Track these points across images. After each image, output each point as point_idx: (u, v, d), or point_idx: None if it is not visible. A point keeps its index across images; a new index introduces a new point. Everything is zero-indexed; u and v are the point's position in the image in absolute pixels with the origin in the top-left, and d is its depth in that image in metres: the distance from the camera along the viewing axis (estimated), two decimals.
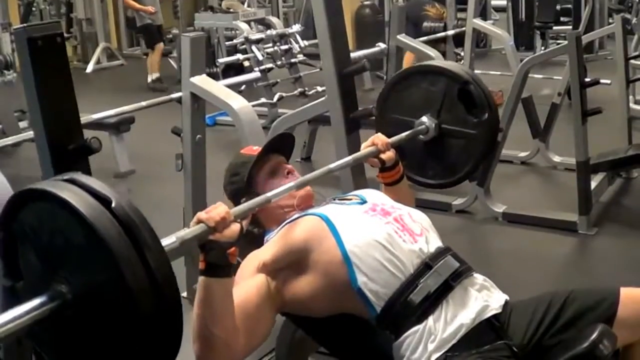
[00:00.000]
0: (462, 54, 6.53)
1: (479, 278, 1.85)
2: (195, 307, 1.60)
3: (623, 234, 4.08)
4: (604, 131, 4.89)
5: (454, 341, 1.70)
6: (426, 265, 1.77)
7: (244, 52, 6.72)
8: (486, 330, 1.74)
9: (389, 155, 2.15)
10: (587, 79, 4.02)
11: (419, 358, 1.70)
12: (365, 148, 2.17)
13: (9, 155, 5.67)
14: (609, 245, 3.94)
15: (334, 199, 2.00)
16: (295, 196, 1.96)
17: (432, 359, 1.69)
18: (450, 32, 6.74)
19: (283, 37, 6.83)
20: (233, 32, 8.17)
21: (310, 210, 1.92)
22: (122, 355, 1.29)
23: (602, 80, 4.26)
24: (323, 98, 3.09)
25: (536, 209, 4.32)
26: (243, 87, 6.31)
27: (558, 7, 9.77)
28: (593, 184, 4.22)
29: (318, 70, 6.20)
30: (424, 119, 2.52)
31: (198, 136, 3.04)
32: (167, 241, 1.43)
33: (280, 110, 6.27)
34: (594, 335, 1.66)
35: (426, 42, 5.68)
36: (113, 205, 1.25)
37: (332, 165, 2.11)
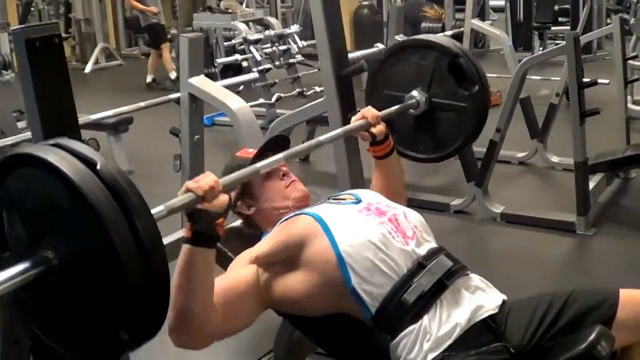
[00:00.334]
0: None
1: (474, 278, 1.85)
2: (174, 276, 1.59)
3: (621, 234, 4.08)
4: (602, 131, 4.89)
5: (450, 341, 1.70)
6: (420, 265, 1.77)
7: (243, 52, 6.72)
8: (483, 331, 1.74)
9: (379, 128, 2.15)
10: (585, 80, 4.02)
11: (415, 358, 1.70)
12: (355, 121, 2.17)
13: None
14: (607, 245, 3.94)
15: (329, 198, 2.00)
16: (289, 197, 1.97)
17: (428, 358, 1.69)
18: (449, 33, 6.75)
19: (281, 38, 6.83)
20: (231, 32, 8.16)
21: (305, 210, 1.92)
22: (109, 322, 1.27)
23: (600, 81, 4.26)
24: (321, 99, 3.09)
25: (534, 209, 4.32)
26: (241, 87, 6.30)
27: (556, 7, 9.78)
28: (591, 185, 4.22)
29: (316, 70, 6.20)
30: (415, 93, 2.52)
31: (196, 136, 3.04)
32: (155, 210, 1.41)
33: (278, 111, 6.27)
34: (592, 337, 1.66)
35: None
36: (98, 167, 1.22)
37: (322, 138, 2.14)
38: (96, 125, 4.51)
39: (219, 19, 7.99)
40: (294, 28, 7.08)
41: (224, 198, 1.58)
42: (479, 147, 4.47)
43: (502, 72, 6.42)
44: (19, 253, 1.32)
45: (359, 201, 1.93)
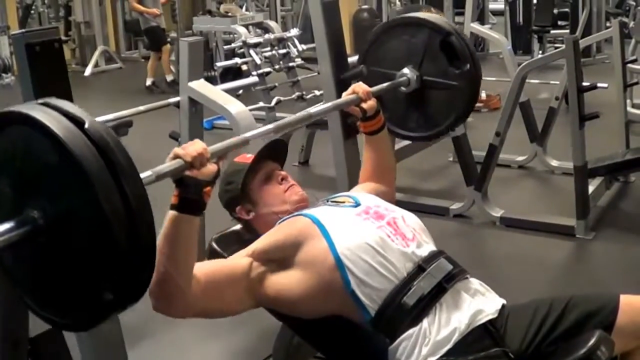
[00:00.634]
0: None
1: (474, 282, 1.85)
2: (158, 241, 1.59)
3: (621, 238, 4.08)
4: (601, 135, 4.90)
5: (448, 345, 1.70)
6: (419, 268, 1.77)
7: (242, 55, 6.70)
8: (482, 335, 1.74)
9: (370, 104, 2.16)
10: (584, 84, 4.02)
11: None
12: (346, 96, 2.18)
13: None
14: (606, 249, 3.94)
15: (327, 200, 2.00)
16: (288, 201, 1.97)
17: None
18: None
19: (281, 41, 6.82)
20: (231, 36, 8.17)
21: (303, 211, 1.92)
22: (94, 283, 1.26)
23: (599, 85, 4.26)
24: (321, 103, 3.09)
25: (534, 213, 4.32)
26: (241, 91, 6.30)
27: (555, 11, 9.78)
28: (591, 188, 4.22)
29: (316, 74, 6.20)
30: (406, 70, 2.52)
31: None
32: (143, 175, 1.40)
33: (278, 114, 6.27)
34: (592, 342, 1.66)
35: None
36: (86, 126, 1.21)
37: (312, 110, 2.15)
38: None
39: (219, 22, 7.99)
40: (294, 32, 7.07)
41: (212, 167, 1.60)
42: (479, 151, 4.48)
43: (502, 76, 6.43)
44: (4, 213, 1.30)
45: (357, 204, 1.93)
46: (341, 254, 1.75)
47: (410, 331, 1.71)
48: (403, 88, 2.51)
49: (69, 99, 2.01)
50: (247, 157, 2.05)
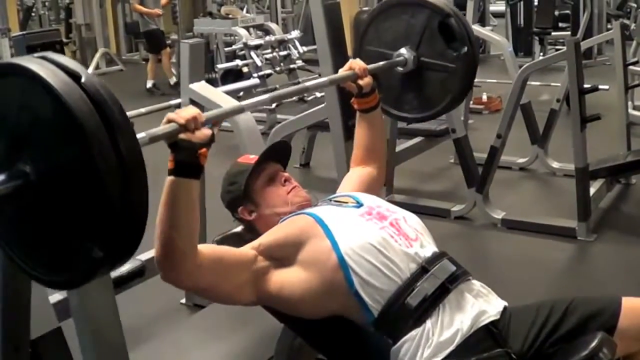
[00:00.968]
0: None
1: (476, 284, 1.84)
2: (159, 209, 1.59)
3: (622, 240, 4.08)
4: (603, 137, 4.90)
5: (451, 347, 1.69)
6: (423, 269, 1.77)
7: (243, 57, 6.73)
8: (484, 337, 1.73)
9: (366, 81, 2.15)
10: (585, 85, 4.02)
11: None
12: (343, 72, 2.17)
13: None
14: (608, 251, 3.94)
15: (330, 200, 2.00)
16: (291, 203, 1.96)
17: None
18: None
19: (282, 43, 6.84)
20: (232, 38, 8.18)
21: (306, 210, 1.91)
22: (86, 240, 1.25)
23: (600, 86, 4.26)
24: (322, 105, 3.09)
25: (535, 215, 4.32)
26: (241, 93, 6.31)
27: (556, 13, 9.78)
28: (592, 190, 4.21)
29: (317, 76, 6.21)
30: (403, 50, 2.51)
31: None
32: (137, 136, 1.37)
33: (279, 116, 6.28)
34: (594, 343, 1.66)
35: None
36: (83, 80, 1.21)
37: (308, 84, 2.17)
38: None
39: (220, 24, 8.00)
40: (295, 33, 7.09)
41: (206, 131, 1.59)
42: (480, 153, 4.49)
43: (503, 78, 6.44)
44: None
45: (360, 205, 1.92)
46: (345, 253, 1.75)
47: (413, 332, 1.71)
48: (400, 68, 2.50)
49: None
50: (250, 158, 2.05)
